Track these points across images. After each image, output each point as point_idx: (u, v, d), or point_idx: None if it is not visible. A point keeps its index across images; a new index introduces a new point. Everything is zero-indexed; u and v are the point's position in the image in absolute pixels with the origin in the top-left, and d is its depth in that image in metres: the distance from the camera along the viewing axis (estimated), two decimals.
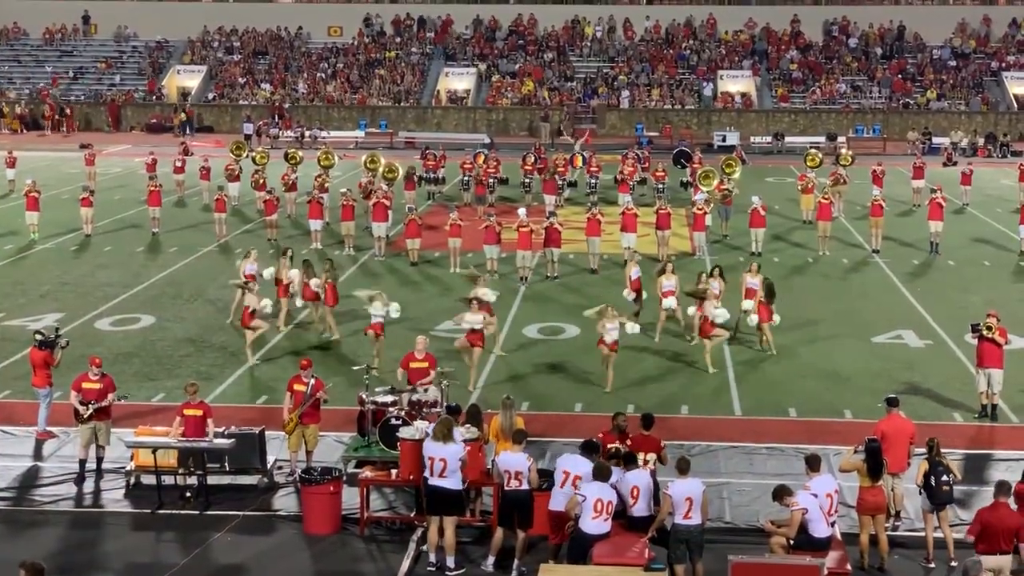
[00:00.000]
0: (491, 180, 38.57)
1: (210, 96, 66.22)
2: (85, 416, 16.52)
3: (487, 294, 22.12)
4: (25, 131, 61.47)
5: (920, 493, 14.23)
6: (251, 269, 24.18)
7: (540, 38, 68.96)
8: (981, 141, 55.74)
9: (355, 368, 20.46)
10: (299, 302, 24.29)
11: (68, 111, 62.71)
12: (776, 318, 22.81)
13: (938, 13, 68.40)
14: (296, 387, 16.64)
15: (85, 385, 16.74)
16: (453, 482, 13.84)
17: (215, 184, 37.02)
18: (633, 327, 21.29)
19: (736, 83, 64.42)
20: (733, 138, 54.91)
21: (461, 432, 14.62)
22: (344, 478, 15.41)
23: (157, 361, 22.31)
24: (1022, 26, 67.13)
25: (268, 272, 24.40)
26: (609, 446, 14.49)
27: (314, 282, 23.65)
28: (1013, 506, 12.95)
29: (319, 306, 23.90)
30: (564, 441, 17.42)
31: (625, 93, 63.64)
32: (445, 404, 16.36)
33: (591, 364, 21.31)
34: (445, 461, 13.74)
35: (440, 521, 13.93)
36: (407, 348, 18.61)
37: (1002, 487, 13.01)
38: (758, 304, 22.65)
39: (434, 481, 13.85)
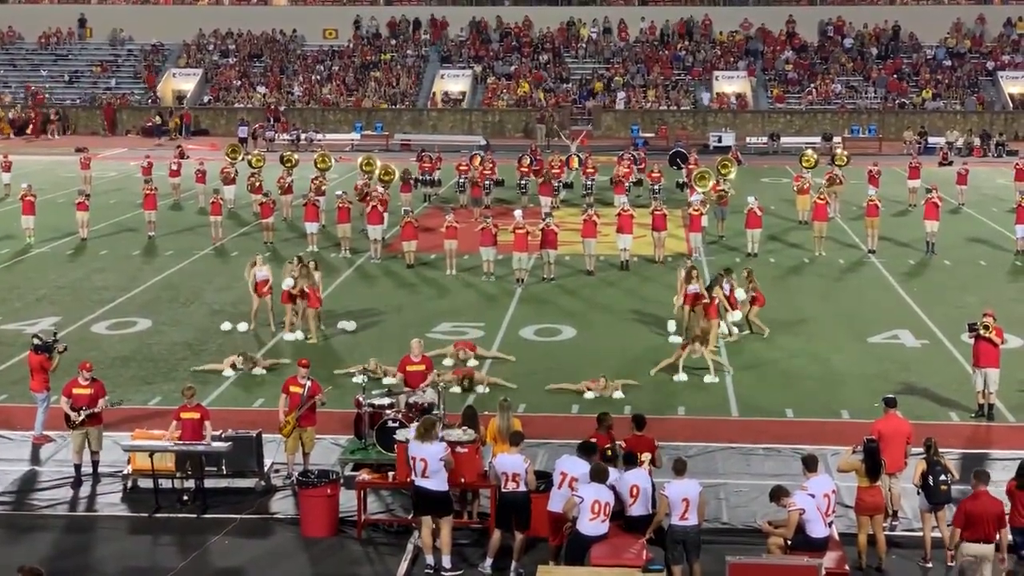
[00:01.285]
0: (487, 182, 38.59)
1: (206, 99, 66.18)
2: (77, 422, 16.44)
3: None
4: (14, 136, 61.32)
5: (918, 493, 14.25)
6: (262, 275, 24.25)
7: (535, 40, 68.96)
8: (977, 141, 55.76)
9: (351, 370, 20.50)
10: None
11: (36, 115, 62.40)
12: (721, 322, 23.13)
13: (933, 13, 68.41)
14: (292, 389, 16.59)
15: (75, 391, 16.65)
16: (436, 482, 13.78)
17: (211, 187, 36.96)
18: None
19: (732, 84, 64.43)
20: (729, 139, 54.92)
21: (458, 434, 14.62)
22: (341, 481, 15.40)
23: (154, 364, 22.26)
24: (1017, 26, 67.19)
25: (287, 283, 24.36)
26: (605, 447, 14.47)
27: (287, 282, 23.83)
28: (995, 495, 13.15)
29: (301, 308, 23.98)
30: (560, 443, 17.40)
31: (621, 94, 63.65)
32: (441, 407, 16.35)
33: (588, 366, 21.30)
34: (426, 461, 13.70)
35: (432, 522, 13.90)
36: (403, 351, 18.56)
37: (980, 476, 13.26)
38: (704, 305, 22.83)
39: (419, 482, 13.84)
